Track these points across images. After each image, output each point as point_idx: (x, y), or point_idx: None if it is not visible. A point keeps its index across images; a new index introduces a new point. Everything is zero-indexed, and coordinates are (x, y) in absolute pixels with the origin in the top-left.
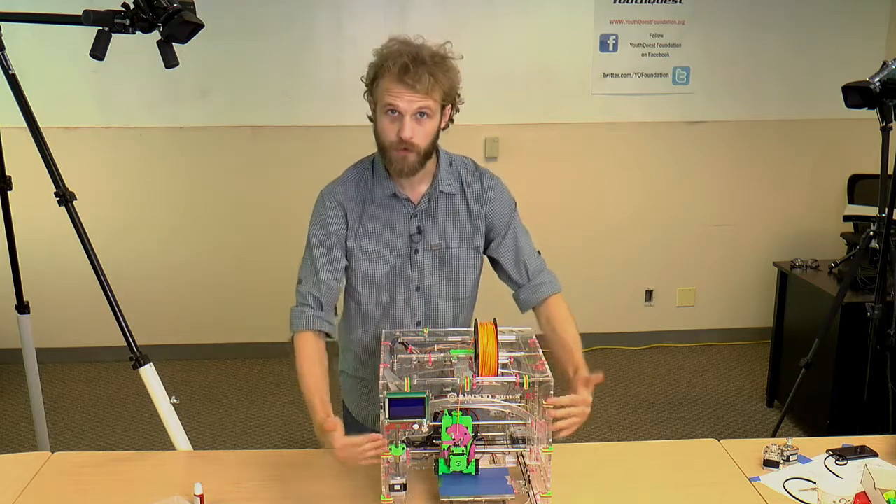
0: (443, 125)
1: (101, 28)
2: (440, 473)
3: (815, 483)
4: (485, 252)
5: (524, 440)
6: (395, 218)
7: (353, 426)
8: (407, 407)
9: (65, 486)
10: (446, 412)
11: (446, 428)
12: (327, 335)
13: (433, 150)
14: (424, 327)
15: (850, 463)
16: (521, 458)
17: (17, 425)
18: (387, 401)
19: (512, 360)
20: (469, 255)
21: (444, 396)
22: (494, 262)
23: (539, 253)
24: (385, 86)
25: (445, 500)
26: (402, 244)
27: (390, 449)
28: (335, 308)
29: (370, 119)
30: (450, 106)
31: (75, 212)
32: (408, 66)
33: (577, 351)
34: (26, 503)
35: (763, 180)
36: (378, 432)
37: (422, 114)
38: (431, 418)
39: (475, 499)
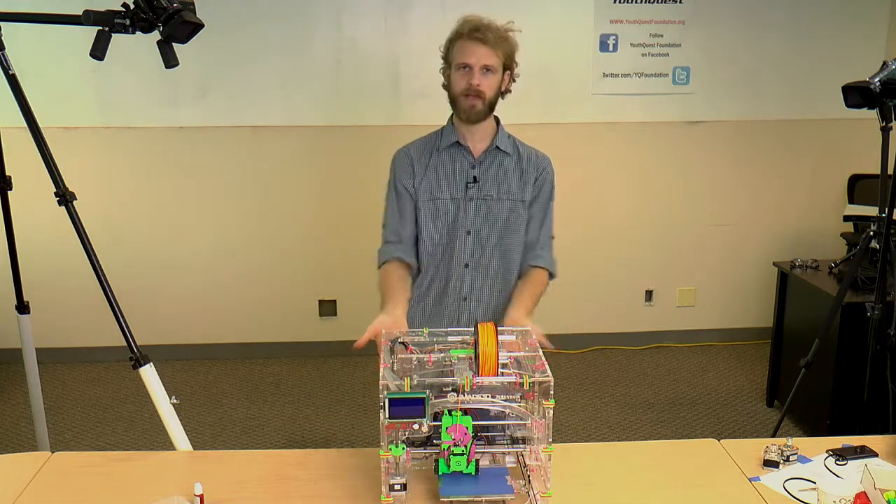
0: (503, 88)
1: (101, 28)
2: (440, 473)
3: (815, 483)
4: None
5: (524, 440)
6: (456, 165)
7: None
8: (407, 407)
9: (65, 486)
10: (446, 412)
11: (446, 428)
12: (408, 265)
13: (496, 101)
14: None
15: (850, 463)
16: (521, 458)
17: (17, 425)
18: (387, 401)
19: (512, 360)
20: (516, 207)
21: (444, 396)
22: None
23: (553, 237)
24: (458, 46)
25: (445, 500)
26: (459, 190)
27: (390, 449)
28: (415, 243)
29: (444, 87)
30: (509, 72)
31: (75, 212)
32: (478, 27)
33: (525, 297)
34: (26, 503)
35: (763, 180)
36: None
37: (487, 69)
38: (431, 418)
39: (475, 499)
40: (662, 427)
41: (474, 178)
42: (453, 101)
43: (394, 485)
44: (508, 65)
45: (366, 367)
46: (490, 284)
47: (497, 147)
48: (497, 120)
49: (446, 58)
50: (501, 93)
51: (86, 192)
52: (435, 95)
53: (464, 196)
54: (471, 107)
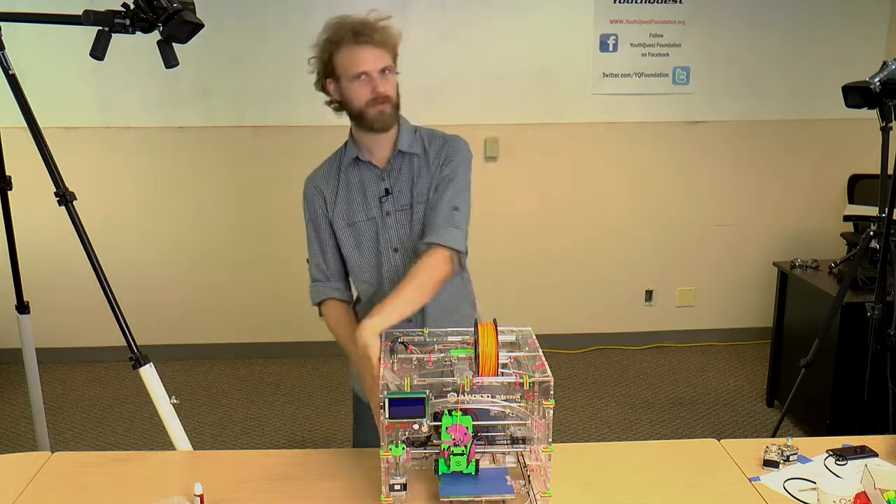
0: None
1: (101, 28)
2: (440, 473)
3: (815, 483)
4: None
5: (524, 440)
6: (364, 182)
7: (367, 412)
8: (407, 407)
9: (65, 486)
10: (446, 412)
11: (446, 428)
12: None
13: (399, 100)
14: (424, 328)
15: (850, 463)
16: (521, 458)
17: (17, 425)
18: (387, 401)
19: (512, 360)
20: None
21: (444, 396)
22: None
23: (457, 209)
24: (345, 55)
25: (445, 500)
26: (374, 207)
27: (390, 449)
28: (346, 275)
29: (330, 103)
30: (396, 63)
31: (75, 212)
32: (359, 29)
33: (392, 298)
34: (26, 503)
35: (763, 180)
36: None
37: (385, 70)
38: (431, 418)
39: (475, 499)
40: (662, 427)
41: (386, 190)
42: (359, 115)
43: (394, 485)
44: (395, 57)
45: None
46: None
47: (400, 151)
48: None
49: (327, 71)
50: None
51: (86, 192)
52: (434, 95)
53: (380, 212)
54: (380, 113)
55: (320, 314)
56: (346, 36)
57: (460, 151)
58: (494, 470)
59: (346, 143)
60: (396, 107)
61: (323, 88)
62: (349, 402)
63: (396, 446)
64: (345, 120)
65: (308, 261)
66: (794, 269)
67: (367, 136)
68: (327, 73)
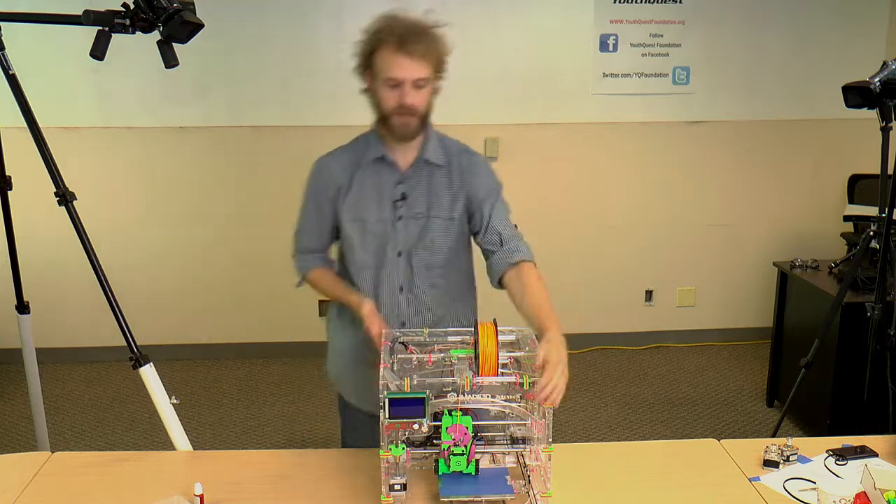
0: (435, 93)
1: (101, 28)
2: (440, 473)
3: (815, 483)
4: (469, 224)
5: (524, 440)
6: (382, 182)
7: (353, 415)
8: (407, 407)
9: (65, 486)
10: (446, 412)
11: (446, 428)
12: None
13: (430, 113)
14: (426, 327)
15: (850, 463)
16: (521, 458)
17: (17, 425)
18: (387, 401)
19: (512, 361)
20: (448, 225)
21: (444, 396)
22: (473, 234)
23: (516, 227)
24: (384, 58)
25: (445, 500)
26: (387, 209)
27: (390, 449)
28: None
29: (364, 92)
30: (439, 74)
31: (75, 212)
32: (405, 37)
33: (547, 309)
34: (26, 503)
35: (763, 180)
36: (377, 414)
37: (420, 82)
38: (431, 418)
39: (475, 499)
40: (662, 427)
41: (402, 194)
42: (384, 119)
43: (394, 485)
44: (440, 68)
45: None
46: (428, 306)
47: (426, 160)
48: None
49: (367, 63)
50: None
51: (86, 192)
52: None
53: (392, 216)
54: (404, 125)
55: (300, 283)
56: (390, 39)
57: (491, 175)
58: (494, 470)
59: (366, 138)
60: (423, 119)
61: (361, 76)
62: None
63: (396, 446)
64: (345, 120)
65: (296, 234)
66: (794, 269)
67: (391, 139)
68: (367, 65)
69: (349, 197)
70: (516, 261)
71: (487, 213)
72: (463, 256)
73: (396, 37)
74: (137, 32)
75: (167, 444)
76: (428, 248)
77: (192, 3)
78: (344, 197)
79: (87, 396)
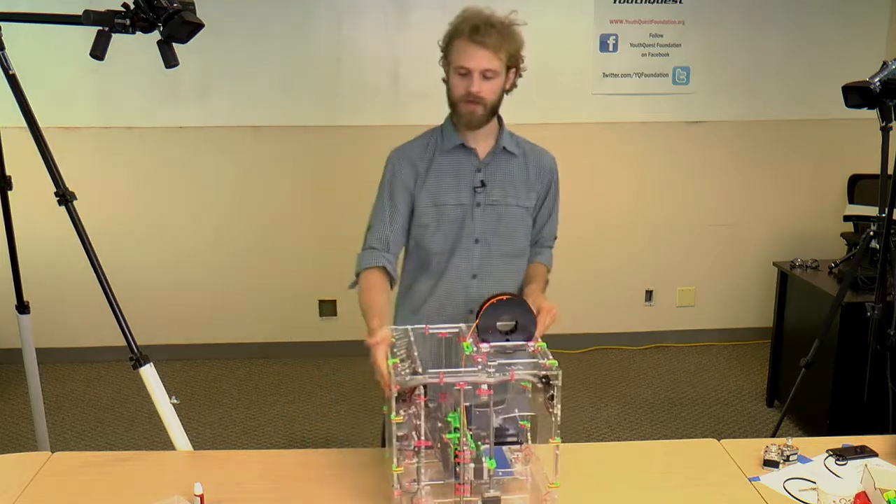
0: (507, 87)
1: (101, 28)
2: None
3: (815, 483)
4: None
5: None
6: (461, 169)
7: None
8: None
9: (65, 486)
10: (452, 422)
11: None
12: (391, 278)
13: (498, 105)
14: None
15: (850, 463)
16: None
17: (17, 425)
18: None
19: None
20: (522, 213)
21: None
22: None
23: (556, 238)
24: (457, 47)
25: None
26: (466, 195)
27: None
28: (398, 254)
29: (444, 81)
30: (514, 69)
31: (75, 212)
32: (478, 27)
33: (538, 285)
34: (26, 503)
35: (763, 180)
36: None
37: (488, 74)
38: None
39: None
40: (662, 427)
41: (482, 181)
42: (452, 105)
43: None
44: (513, 63)
45: (365, 367)
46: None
47: (504, 148)
48: (500, 119)
49: (446, 54)
50: (506, 90)
51: (86, 192)
52: (435, 95)
53: (471, 202)
54: (470, 112)
55: (354, 283)
56: (465, 29)
57: (558, 177)
58: (496, 450)
59: (440, 129)
60: (491, 109)
61: (442, 65)
62: (349, 402)
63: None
64: (344, 121)
65: (370, 228)
66: (794, 269)
67: (462, 127)
68: (445, 53)
69: (427, 182)
70: (535, 261)
71: (546, 215)
72: (528, 247)
73: (470, 27)
74: (137, 32)
75: (167, 444)
76: (503, 235)
77: (192, 3)
78: (423, 182)
79: (87, 396)
